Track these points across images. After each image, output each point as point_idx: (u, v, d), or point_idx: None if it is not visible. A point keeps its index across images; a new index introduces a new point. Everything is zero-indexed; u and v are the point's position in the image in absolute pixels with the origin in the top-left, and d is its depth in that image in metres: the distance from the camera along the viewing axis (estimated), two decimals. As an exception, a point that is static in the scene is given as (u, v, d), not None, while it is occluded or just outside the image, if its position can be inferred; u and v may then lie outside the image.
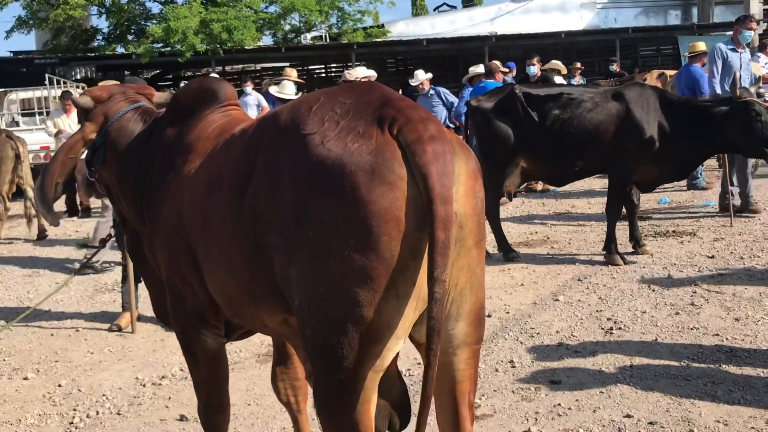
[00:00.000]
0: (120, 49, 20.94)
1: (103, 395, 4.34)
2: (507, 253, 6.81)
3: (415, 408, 2.42)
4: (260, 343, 4.96)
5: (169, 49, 19.25)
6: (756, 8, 22.09)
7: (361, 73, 8.02)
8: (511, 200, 8.59)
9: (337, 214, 1.85)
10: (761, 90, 9.81)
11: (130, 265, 5.52)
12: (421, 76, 10.53)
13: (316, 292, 1.90)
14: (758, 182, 9.59)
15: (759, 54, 10.26)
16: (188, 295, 2.66)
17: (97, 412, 4.11)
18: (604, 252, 6.50)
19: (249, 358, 4.76)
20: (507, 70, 11.16)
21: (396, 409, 2.34)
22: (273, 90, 8.58)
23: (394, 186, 1.82)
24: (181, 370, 4.66)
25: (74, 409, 4.17)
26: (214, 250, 2.34)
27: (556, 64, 11.86)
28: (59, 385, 4.53)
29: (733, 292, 5.36)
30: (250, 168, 2.15)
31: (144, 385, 4.47)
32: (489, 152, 6.67)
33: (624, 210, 6.71)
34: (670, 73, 15.49)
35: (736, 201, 7.95)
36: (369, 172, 1.83)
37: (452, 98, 10.52)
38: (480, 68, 9.96)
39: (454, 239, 1.86)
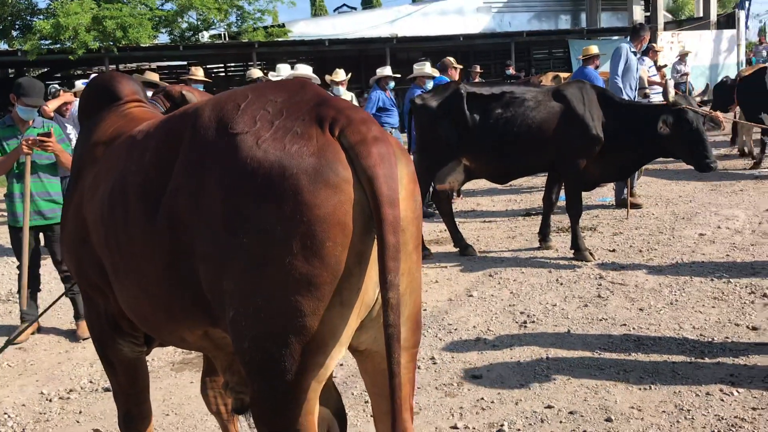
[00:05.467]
0: (3, 46, 19.75)
1: (5, 413, 4.06)
2: (463, 249, 6.94)
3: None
4: (174, 351, 4.78)
5: (58, 46, 18.30)
6: (639, 15, 23.40)
7: (284, 71, 7.79)
8: (454, 197, 8.42)
9: (276, 220, 1.73)
10: (647, 91, 10.42)
11: (25, 272, 5.21)
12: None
13: (253, 304, 1.78)
14: (646, 179, 10.17)
15: (644, 58, 10.83)
16: (100, 302, 2.53)
17: (0, 432, 3.85)
18: (573, 251, 6.53)
19: (163, 367, 4.58)
20: (460, 66, 10.82)
21: (333, 418, 2.30)
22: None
23: (338, 189, 1.74)
24: (91, 382, 4.44)
25: (-27, 430, 3.89)
26: (122, 267, 2.18)
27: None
28: (-46, 405, 4.21)
29: (635, 284, 5.63)
30: (164, 172, 1.99)
31: (50, 400, 4.21)
32: (432, 150, 6.64)
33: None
34: (563, 75, 16.18)
35: (629, 197, 8.38)
36: (312, 175, 1.73)
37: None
38: (427, 68, 9.43)
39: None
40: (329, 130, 1.80)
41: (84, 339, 5.18)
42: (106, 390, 4.28)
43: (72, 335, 5.31)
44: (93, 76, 8.66)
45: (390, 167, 1.77)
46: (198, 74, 9.14)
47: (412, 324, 2.04)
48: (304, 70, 8.07)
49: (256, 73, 11.14)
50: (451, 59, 10.20)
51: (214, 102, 2.01)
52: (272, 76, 7.73)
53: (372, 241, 1.79)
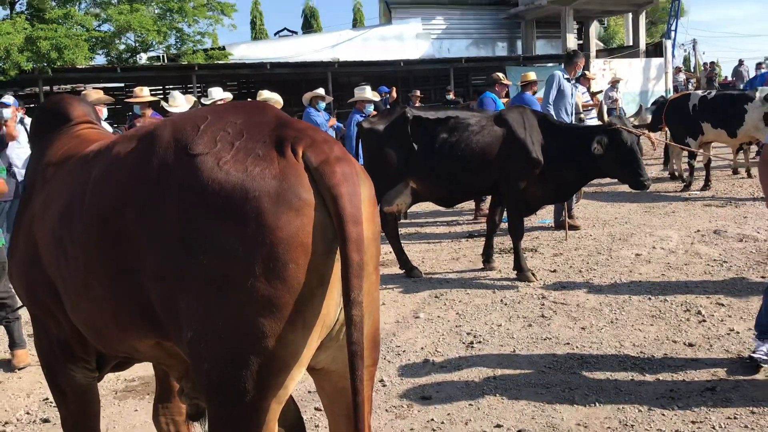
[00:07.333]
0: (-71, 65, 18.98)
1: (-64, 448, 3.89)
2: (409, 271, 7.01)
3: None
4: (117, 379, 4.66)
5: (-11, 66, 17.72)
6: (572, 43, 24.18)
7: (217, 95, 7.63)
8: (401, 219, 8.37)
9: (238, 242, 1.73)
10: (582, 116, 10.74)
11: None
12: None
13: (212, 325, 1.77)
14: (583, 202, 10.46)
15: (577, 84, 11.20)
16: (52, 327, 2.48)
17: (-69, 468, 3.67)
18: (515, 271, 6.65)
19: (106, 395, 4.44)
20: (509, 83, 10.67)
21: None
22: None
23: (300, 211, 1.76)
24: (28, 413, 4.28)
25: None
26: (74, 284, 2.17)
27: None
28: None
29: (576, 303, 5.77)
30: (116, 191, 1.98)
31: (-15, 434, 4.05)
32: (380, 173, 6.57)
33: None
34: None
35: (568, 218, 8.60)
36: (274, 198, 1.74)
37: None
38: (367, 92, 9.34)
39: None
40: (291, 151, 1.82)
41: (20, 369, 5.00)
42: (45, 421, 4.14)
43: (7, 365, 5.11)
44: (4, 98, 8.20)
45: (353, 186, 1.81)
46: (142, 95, 8.59)
47: (370, 342, 2.05)
48: (218, 93, 7.59)
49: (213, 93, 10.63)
50: (500, 75, 10.09)
51: (171, 123, 2.01)
52: (204, 101, 7.58)
53: (333, 262, 1.81)
